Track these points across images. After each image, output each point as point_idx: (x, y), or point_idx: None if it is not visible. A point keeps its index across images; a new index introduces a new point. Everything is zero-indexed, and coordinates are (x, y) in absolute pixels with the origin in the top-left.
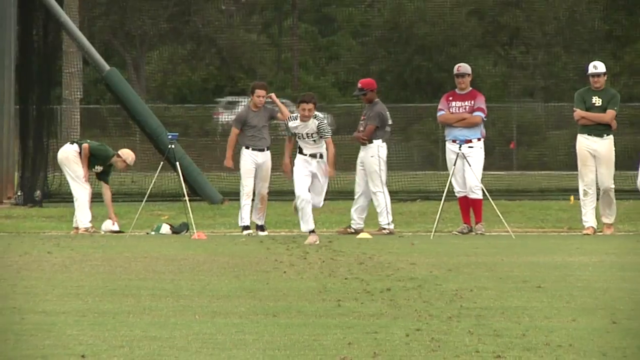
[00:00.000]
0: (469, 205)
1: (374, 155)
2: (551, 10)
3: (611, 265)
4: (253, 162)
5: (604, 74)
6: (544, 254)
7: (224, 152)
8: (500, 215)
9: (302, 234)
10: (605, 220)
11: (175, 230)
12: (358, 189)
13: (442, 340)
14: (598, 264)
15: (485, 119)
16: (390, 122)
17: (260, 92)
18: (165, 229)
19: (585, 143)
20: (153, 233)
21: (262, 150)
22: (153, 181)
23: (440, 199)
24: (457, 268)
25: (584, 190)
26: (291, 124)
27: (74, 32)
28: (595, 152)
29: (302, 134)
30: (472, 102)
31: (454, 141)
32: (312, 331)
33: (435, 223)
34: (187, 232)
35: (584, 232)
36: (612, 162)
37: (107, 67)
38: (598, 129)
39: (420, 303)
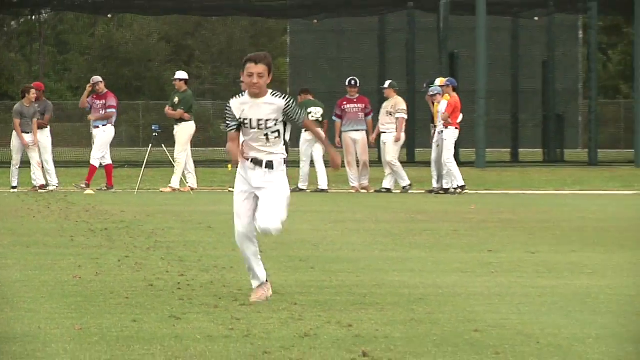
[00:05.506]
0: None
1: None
2: (216, 37)
3: None
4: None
5: (179, 79)
6: (213, 204)
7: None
8: (184, 178)
9: None
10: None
11: None
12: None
13: (143, 264)
14: None
15: (114, 112)
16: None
17: (32, 91)
18: None
19: None
20: None
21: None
22: None
23: (141, 167)
24: (153, 214)
25: None
26: (233, 102)
27: None
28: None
29: (249, 121)
30: (104, 101)
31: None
32: (54, 258)
33: (138, 183)
34: None
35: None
36: (179, 141)
37: None
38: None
39: (128, 238)
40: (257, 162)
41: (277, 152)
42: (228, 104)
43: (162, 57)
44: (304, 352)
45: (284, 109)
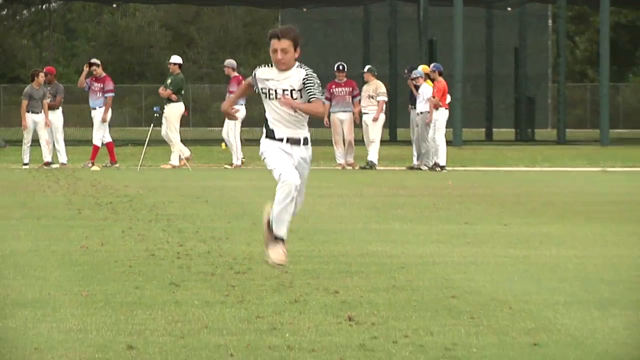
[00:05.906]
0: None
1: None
2: (213, 25)
3: (258, 188)
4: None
5: (174, 64)
6: (210, 180)
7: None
8: (181, 155)
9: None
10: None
11: None
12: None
13: (145, 235)
14: (242, 187)
15: (112, 95)
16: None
17: (41, 74)
18: None
19: None
20: None
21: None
22: None
23: (144, 145)
24: (155, 189)
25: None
26: (260, 72)
27: None
28: None
29: (274, 92)
30: (102, 84)
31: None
32: (63, 229)
33: (141, 160)
34: None
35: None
36: (169, 120)
37: None
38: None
39: (131, 211)
40: (294, 142)
41: (305, 127)
42: (255, 71)
43: (162, 43)
44: (294, 317)
45: (304, 77)
